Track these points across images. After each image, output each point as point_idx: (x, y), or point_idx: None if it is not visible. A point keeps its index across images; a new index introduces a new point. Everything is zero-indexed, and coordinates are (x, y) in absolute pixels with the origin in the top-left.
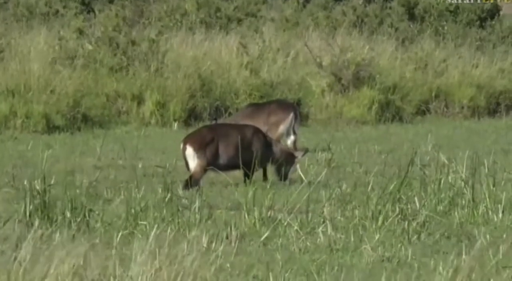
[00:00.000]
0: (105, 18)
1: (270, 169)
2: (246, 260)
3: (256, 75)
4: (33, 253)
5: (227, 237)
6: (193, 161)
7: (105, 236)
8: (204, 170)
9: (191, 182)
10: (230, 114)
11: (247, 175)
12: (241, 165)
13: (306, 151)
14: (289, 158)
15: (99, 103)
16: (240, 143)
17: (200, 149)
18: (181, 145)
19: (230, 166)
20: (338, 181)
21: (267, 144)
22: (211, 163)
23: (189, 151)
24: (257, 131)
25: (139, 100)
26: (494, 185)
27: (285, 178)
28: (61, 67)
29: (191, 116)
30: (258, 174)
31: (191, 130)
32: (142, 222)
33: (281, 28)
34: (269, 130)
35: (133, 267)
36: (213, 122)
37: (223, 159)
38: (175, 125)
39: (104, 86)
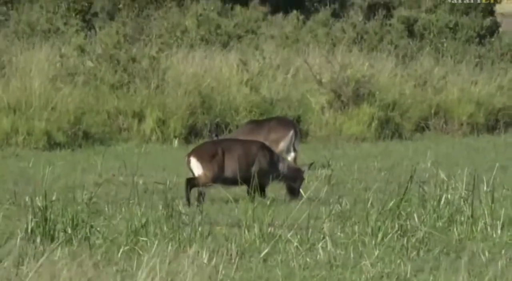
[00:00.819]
0: (106, 35)
1: (270, 185)
2: (246, 276)
3: (256, 92)
4: (35, 269)
5: (227, 253)
6: (197, 171)
7: (106, 253)
8: (209, 180)
9: (192, 183)
10: (230, 131)
11: (255, 190)
12: (239, 180)
13: (311, 164)
14: (297, 173)
15: (100, 120)
16: (245, 158)
17: (204, 160)
18: (186, 158)
19: (235, 180)
20: (338, 198)
21: (273, 160)
22: (217, 175)
23: (193, 162)
24: (262, 146)
25: (140, 117)
26: (493, 202)
27: (298, 194)
28: (62, 84)
29: (191, 133)
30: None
31: (191, 147)
32: (143, 238)
33: (281, 45)
34: None
35: None
36: (214, 138)
37: (228, 172)
38: (176, 142)
39: (105, 103)
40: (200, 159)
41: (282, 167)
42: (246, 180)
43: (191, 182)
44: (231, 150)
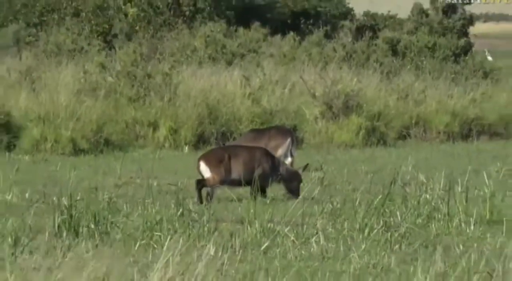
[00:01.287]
0: (124, 54)
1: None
2: (249, 267)
3: (257, 104)
4: (61, 260)
5: (232, 247)
6: (206, 174)
7: (124, 246)
8: (217, 182)
9: (202, 184)
10: (234, 138)
11: (257, 191)
12: (243, 182)
13: (306, 166)
14: (295, 176)
15: (119, 129)
16: (250, 162)
17: (212, 164)
18: (197, 163)
19: (240, 182)
20: (330, 198)
21: (274, 164)
22: (224, 178)
23: (203, 166)
24: (265, 152)
25: (154, 126)
26: (466, 201)
27: (297, 194)
28: (86, 97)
29: (200, 140)
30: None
31: (200, 153)
32: (157, 234)
33: (279, 63)
34: None
35: (150, 274)
36: (221, 145)
37: (234, 175)
38: (186, 148)
39: (124, 114)
40: (208, 163)
41: (281, 170)
42: (250, 182)
43: (201, 183)
44: (237, 155)
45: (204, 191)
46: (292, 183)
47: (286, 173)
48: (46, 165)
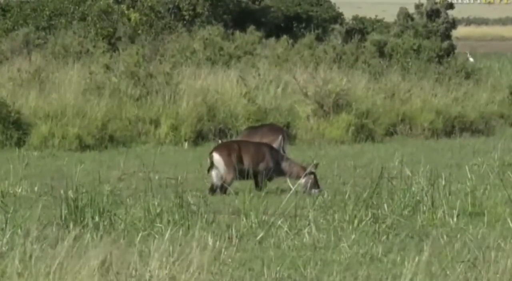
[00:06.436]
0: (128, 56)
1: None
2: (244, 256)
3: (252, 103)
4: (68, 250)
5: (228, 237)
6: (220, 165)
7: (127, 236)
8: (231, 179)
9: (223, 188)
10: (231, 135)
11: (257, 184)
12: (238, 176)
13: (316, 165)
14: (300, 171)
15: (122, 126)
16: (256, 156)
17: (224, 154)
18: (209, 156)
19: (247, 174)
20: (321, 191)
21: (277, 159)
22: (234, 172)
23: (216, 157)
24: (271, 148)
25: (156, 123)
26: (449, 194)
27: (313, 187)
28: (91, 96)
29: (199, 137)
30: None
31: (199, 148)
32: (158, 225)
33: (273, 64)
34: None
35: (151, 262)
36: (219, 141)
37: (244, 167)
38: (186, 144)
39: (127, 112)
40: (221, 154)
41: (284, 165)
42: (256, 175)
43: (212, 189)
44: (247, 149)
45: (208, 185)
46: (299, 178)
47: (289, 168)
48: (54, 160)
